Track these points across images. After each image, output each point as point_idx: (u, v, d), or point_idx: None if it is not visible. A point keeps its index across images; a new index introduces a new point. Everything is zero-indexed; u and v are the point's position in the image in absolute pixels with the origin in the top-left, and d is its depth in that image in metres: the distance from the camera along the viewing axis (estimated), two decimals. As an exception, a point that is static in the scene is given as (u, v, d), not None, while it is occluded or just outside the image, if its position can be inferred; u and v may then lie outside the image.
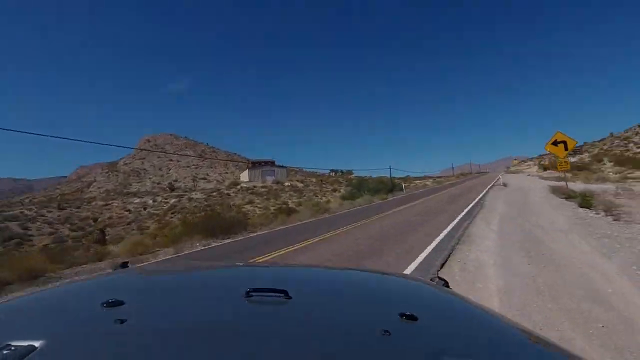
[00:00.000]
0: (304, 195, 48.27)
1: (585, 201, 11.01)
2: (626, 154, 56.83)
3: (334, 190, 54.01)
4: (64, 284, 1.40)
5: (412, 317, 0.81)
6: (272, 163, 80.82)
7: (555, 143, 16.18)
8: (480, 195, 19.14)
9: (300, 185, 61.46)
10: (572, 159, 74.05)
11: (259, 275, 1.46)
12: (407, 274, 2.53)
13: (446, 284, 1.43)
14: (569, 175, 37.35)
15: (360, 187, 37.55)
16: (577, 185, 23.66)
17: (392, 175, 44.85)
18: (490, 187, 26.50)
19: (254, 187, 56.35)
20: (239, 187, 57.25)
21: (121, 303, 0.83)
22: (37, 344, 0.62)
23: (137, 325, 0.75)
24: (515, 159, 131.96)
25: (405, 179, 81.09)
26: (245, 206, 37.31)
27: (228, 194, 51.71)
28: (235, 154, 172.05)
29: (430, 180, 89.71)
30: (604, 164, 49.56)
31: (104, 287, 1.19)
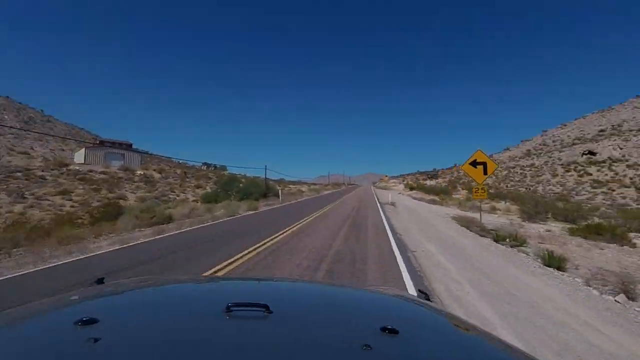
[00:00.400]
0: (156, 190, 38.03)
1: (554, 260, 7.20)
2: (472, 184, 65.50)
3: (198, 186, 45.08)
4: (35, 301, 1.17)
5: (393, 331, 0.81)
6: (129, 146, 65.80)
7: (474, 164, 12.93)
8: (385, 220, 14.79)
9: (157, 176, 49.87)
10: (430, 182, 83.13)
11: (239, 290, 1.40)
12: (387, 288, 2.15)
13: (427, 298, 1.41)
14: (436, 198, 38.79)
15: (229, 186, 30.44)
16: (457, 212, 22.53)
17: (267, 177, 38.93)
18: (381, 206, 23.20)
19: (90, 171, 42.65)
20: (65, 169, 42.34)
21: (95, 321, 0.79)
22: None
23: (112, 345, 0.72)
24: (386, 176, 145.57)
25: (279, 182, 76.88)
26: (54, 197, 25.59)
27: (42, 177, 37.09)
28: (82, 129, 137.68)
29: (306, 186, 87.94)
30: (459, 190, 55.06)
31: (77, 305, 1.12)
